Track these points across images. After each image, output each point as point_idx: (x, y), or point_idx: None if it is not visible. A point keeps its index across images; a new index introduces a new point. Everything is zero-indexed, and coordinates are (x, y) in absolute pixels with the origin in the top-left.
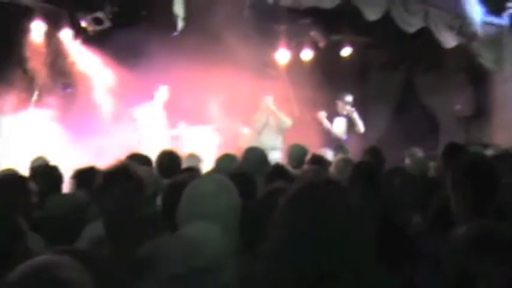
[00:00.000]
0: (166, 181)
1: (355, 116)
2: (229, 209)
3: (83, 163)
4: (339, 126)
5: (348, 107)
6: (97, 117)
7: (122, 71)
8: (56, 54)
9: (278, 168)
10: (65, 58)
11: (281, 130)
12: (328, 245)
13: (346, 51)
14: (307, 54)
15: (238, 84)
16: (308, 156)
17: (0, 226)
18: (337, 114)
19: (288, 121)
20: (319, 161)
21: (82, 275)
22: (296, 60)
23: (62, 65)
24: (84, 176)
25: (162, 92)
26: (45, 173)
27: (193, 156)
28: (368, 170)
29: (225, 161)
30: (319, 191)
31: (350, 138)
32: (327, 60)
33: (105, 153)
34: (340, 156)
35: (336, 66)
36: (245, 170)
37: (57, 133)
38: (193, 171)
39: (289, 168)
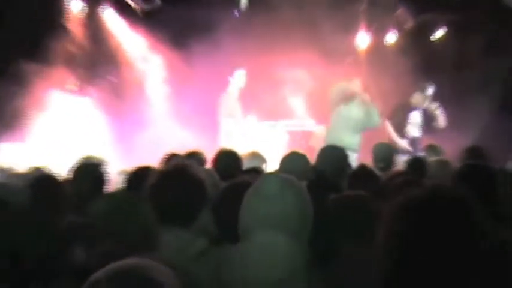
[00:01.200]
0: (224, 184)
1: (437, 110)
2: (297, 214)
3: (133, 162)
4: (413, 122)
5: (428, 101)
6: (147, 110)
7: (176, 56)
8: (97, 37)
9: (363, 170)
10: (109, 41)
11: (360, 128)
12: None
13: (438, 34)
14: (391, 38)
15: (310, 74)
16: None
17: (39, 232)
18: (413, 108)
19: (377, 119)
20: (416, 163)
21: (173, 279)
22: (377, 45)
23: (105, 49)
24: (138, 178)
25: (239, 78)
26: (88, 172)
27: (255, 156)
28: (487, 175)
29: (293, 162)
30: (444, 207)
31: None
32: (414, 44)
33: (158, 151)
34: (435, 157)
35: (426, 52)
36: (322, 172)
37: (102, 127)
38: (256, 172)
39: (376, 170)
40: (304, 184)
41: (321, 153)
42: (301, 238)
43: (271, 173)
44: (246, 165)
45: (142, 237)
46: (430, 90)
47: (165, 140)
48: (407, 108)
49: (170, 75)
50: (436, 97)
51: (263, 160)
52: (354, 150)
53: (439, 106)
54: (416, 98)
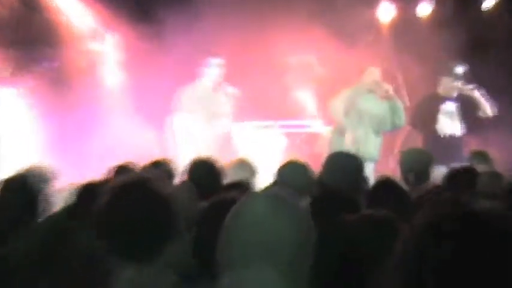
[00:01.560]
0: (202, 204)
1: (475, 93)
2: (292, 242)
3: (79, 175)
4: (446, 116)
5: (460, 84)
6: (98, 105)
7: (139, 34)
8: (31, 4)
9: (386, 184)
10: (48, 12)
11: (382, 129)
12: None
13: (488, 2)
14: (424, 9)
15: (319, 58)
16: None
17: None
18: (445, 98)
19: (403, 118)
20: (458, 176)
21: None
22: (406, 19)
23: (42, 22)
24: (83, 196)
25: (214, 68)
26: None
27: (243, 165)
28: None
29: (292, 173)
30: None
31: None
32: (457, 16)
33: (112, 160)
34: (482, 168)
35: (472, 26)
36: (330, 186)
37: (38, 126)
38: (242, 187)
39: (403, 184)
40: (305, 202)
41: (328, 162)
42: (298, 274)
43: (259, 190)
44: (232, 177)
45: (87, 275)
46: (460, 70)
47: (122, 146)
48: (438, 99)
49: (131, 60)
50: (485, 83)
51: (253, 171)
52: (372, 159)
53: (477, 88)
54: (444, 84)
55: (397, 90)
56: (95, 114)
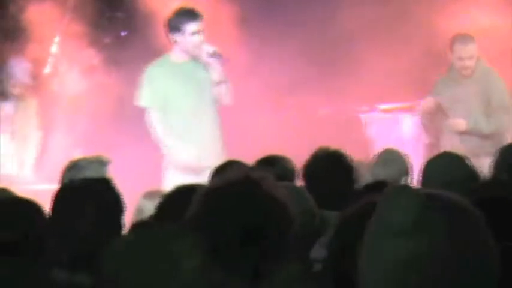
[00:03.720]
0: (328, 214)
1: None
2: (461, 266)
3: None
4: None
5: None
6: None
7: None
8: None
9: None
10: None
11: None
12: None
13: None
14: None
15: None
16: None
17: None
18: None
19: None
20: None
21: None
22: None
23: None
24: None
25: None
26: None
27: (387, 159)
28: None
29: (445, 165)
30: None
31: None
32: None
33: None
34: None
35: None
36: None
37: None
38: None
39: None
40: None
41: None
42: None
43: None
44: (375, 174)
45: None
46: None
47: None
48: None
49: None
50: None
51: (402, 167)
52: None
53: None
54: None
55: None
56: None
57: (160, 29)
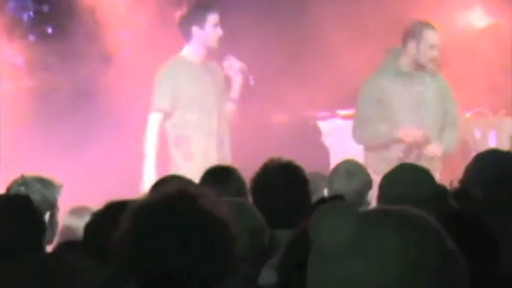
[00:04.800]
0: (280, 233)
1: None
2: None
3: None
4: None
5: None
6: None
7: None
8: None
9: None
10: None
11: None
12: None
13: None
14: None
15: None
16: None
17: None
18: None
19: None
20: None
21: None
22: None
23: None
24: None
25: (211, 27)
26: None
27: (347, 171)
28: None
29: (408, 179)
30: None
31: None
32: None
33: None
34: None
35: None
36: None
37: None
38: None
39: None
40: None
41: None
42: None
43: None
44: (336, 188)
45: None
46: None
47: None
48: None
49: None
50: None
51: (363, 180)
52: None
53: None
54: None
55: None
56: None
57: (93, 26)
